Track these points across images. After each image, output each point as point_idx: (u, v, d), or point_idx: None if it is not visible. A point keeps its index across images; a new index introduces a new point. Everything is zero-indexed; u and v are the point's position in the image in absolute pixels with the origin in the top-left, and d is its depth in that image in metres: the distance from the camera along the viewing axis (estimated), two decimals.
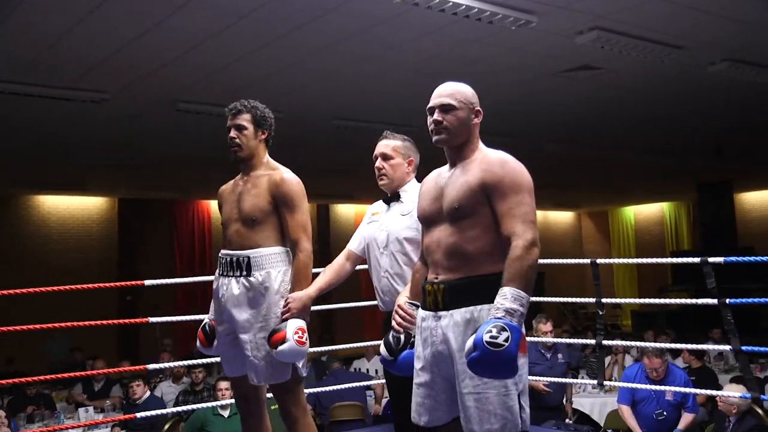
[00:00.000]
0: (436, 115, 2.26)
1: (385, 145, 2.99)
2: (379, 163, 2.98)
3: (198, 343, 3.03)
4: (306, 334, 2.69)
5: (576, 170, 11.80)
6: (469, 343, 1.94)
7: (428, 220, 2.28)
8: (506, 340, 1.88)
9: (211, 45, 5.28)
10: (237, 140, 2.89)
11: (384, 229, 2.89)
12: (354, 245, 3.06)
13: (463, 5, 4.52)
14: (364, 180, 11.79)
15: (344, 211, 15.65)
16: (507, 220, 2.09)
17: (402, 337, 2.39)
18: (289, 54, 5.58)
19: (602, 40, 5.28)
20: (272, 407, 3.35)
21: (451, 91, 2.28)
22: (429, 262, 2.26)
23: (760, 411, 4.85)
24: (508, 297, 1.98)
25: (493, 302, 2.08)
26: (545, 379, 5.17)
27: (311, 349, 3.02)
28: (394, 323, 2.45)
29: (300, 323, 2.69)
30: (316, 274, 2.96)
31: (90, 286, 4.01)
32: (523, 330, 1.98)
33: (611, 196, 16.56)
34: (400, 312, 2.43)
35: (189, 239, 13.95)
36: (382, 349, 2.45)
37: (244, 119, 2.89)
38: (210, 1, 4.52)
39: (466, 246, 2.14)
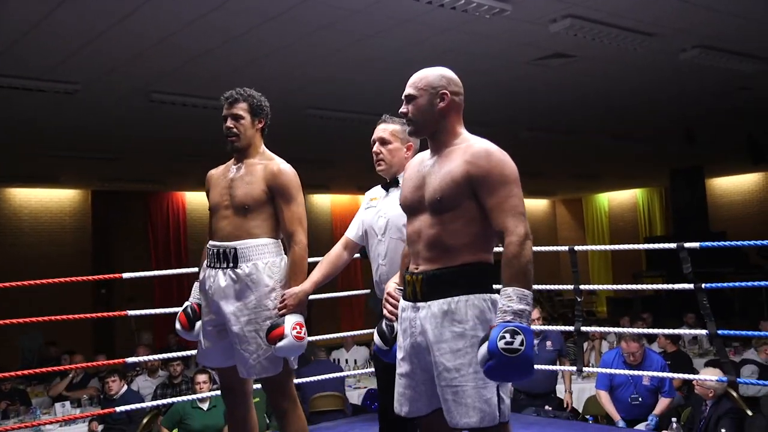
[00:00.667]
0: (403, 107, 2.24)
1: (383, 130, 2.90)
2: (376, 147, 2.89)
3: (178, 326, 2.95)
4: (304, 329, 2.67)
5: (550, 158, 11.88)
6: (483, 351, 1.90)
7: (410, 209, 2.24)
8: (521, 343, 1.86)
9: (185, 35, 5.22)
10: (234, 130, 2.82)
11: (383, 216, 2.82)
12: (352, 233, 2.98)
13: None
14: (339, 170, 11.86)
15: (320, 201, 15.61)
16: (497, 215, 2.05)
17: (395, 325, 2.35)
18: (263, 44, 5.54)
19: (575, 28, 5.31)
20: (255, 399, 3.34)
21: (413, 80, 2.23)
22: (411, 252, 2.22)
23: (734, 394, 4.95)
24: (513, 298, 1.95)
25: (470, 293, 2.07)
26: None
27: None
28: (385, 311, 2.43)
29: (298, 318, 2.67)
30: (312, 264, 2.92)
31: (66, 279, 3.94)
32: None
33: (585, 184, 16.71)
34: (391, 300, 2.41)
35: (164, 231, 13.81)
36: (376, 338, 2.43)
37: (241, 108, 2.83)
38: None
39: (447, 239, 2.10)
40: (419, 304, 2.15)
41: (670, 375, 4.97)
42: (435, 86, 2.20)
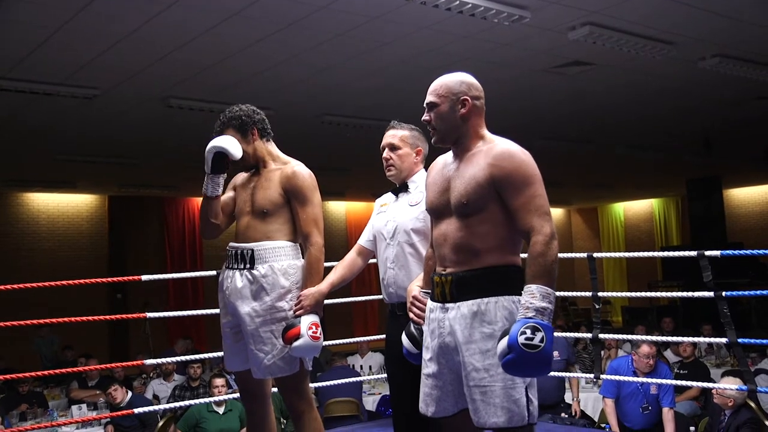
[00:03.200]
0: (425, 115, 2.25)
1: (392, 135, 2.90)
2: (386, 153, 2.89)
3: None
4: (320, 329, 2.69)
5: (566, 166, 11.84)
6: (502, 345, 1.92)
7: (436, 213, 2.25)
8: (542, 340, 1.88)
9: (203, 41, 5.26)
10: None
11: (392, 220, 2.83)
12: (364, 239, 3.00)
13: (458, 1, 4.53)
14: (355, 177, 11.88)
15: (336, 208, 15.65)
16: (522, 215, 2.06)
17: (424, 328, 2.35)
18: (281, 51, 5.57)
19: (594, 36, 5.30)
20: None
21: (433, 87, 2.24)
22: (437, 255, 2.23)
23: (752, 404, 4.89)
24: (536, 295, 1.96)
25: (500, 294, 2.08)
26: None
27: None
28: (412, 315, 2.43)
29: (314, 318, 2.69)
30: (328, 269, 2.94)
31: (85, 281, 3.95)
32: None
33: (601, 193, 16.63)
34: (417, 303, 2.41)
35: (179, 237, 13.89)
36: (406, 342, 2.42)
37: (229, 134, 2.87)
38: None
39: (475, 242, 2.11)
40: (448, 305, 2.16)
41: (683, 383, 4.91)
42: (456, 92, 2.20)
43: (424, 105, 2.26)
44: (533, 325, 1.90)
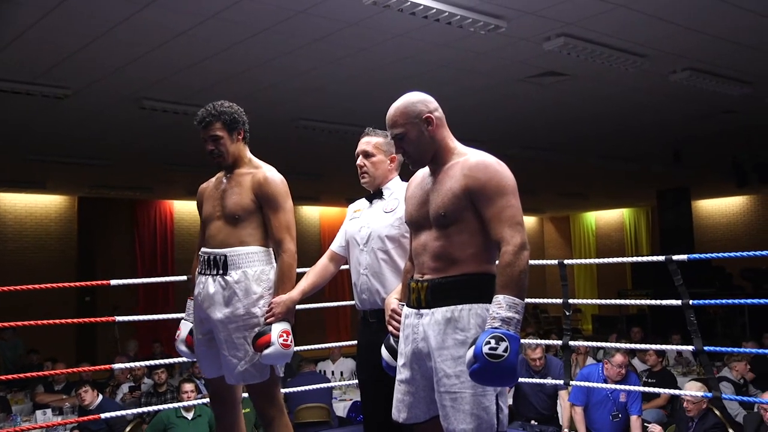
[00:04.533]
0: (397, 146, 2.27)
1: (366, 143, 2.90)
2: (360, 161, 2.90)
3: (184, 347, 2.96)
4: (291, 337, 2.68)
5: (538, 175, 11.95)
6: (469, 354, 1.95)
7: (415, 225, 2.28)
8: (506, 350, 1.90)
9: (178, 43, 5.22)
10: (216, 151, 2.83)
11: (366, 226, 2.83)
12: (336, 245, 2.99)
13: (434, 9, 4.55)
14: (328, 182, 11.86)
15: (309, 213, 15.60)
16: (494, 225, 2.08)
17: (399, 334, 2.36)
18: (257, 54, 5.55)
19: (569, 47, 5.36)
20: (245, 410, 3.32)
21: (393, 119, 2.24)
22: (416, 264, 2.25)
23: (716, 412, 4.98)
24: (503, 305, 1.98)
25: (474, 302, 2.10)
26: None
27: None
28: (391, 328, 2.43)
29: (285, 326, 2.68)
30: (300, 274, 2.92)
31: (52, 285, 3.89)
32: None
33: (573, 201, 16.81)
34: (396, 316, 2.41)
35: (151, 240, 13.72)
36: (386, 355, 2.43)
37: (217, 128, 2.82)
38: None
39: (453, 251, 2.14)
40: (423, 311, 2.18)
41: (654, 390, 4.97)
42: (416, 114, 2.22)
43: (392, 136, 2.27)
44: (498, 335, 1.92)
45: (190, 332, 2.95)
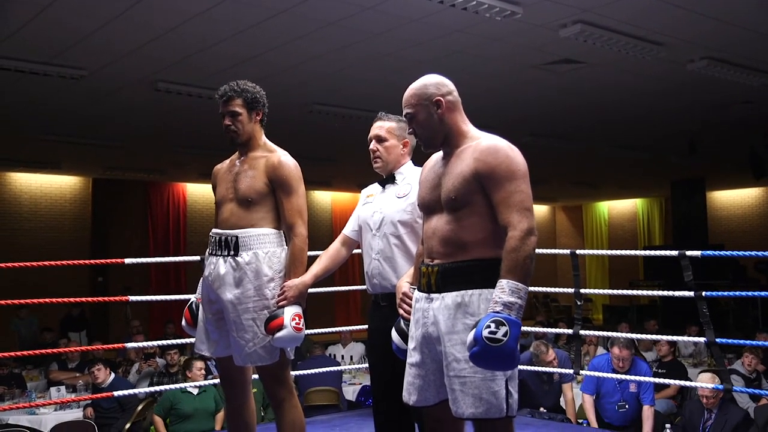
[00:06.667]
0: (408, 128, 2.31)
1: (379, 127, 2.90)
2: (373, 145, 2.89)
3: (183, 322, 3.00)
4: (303, 321, 2.70)
5: (551, 163, 11.89)
6: (470, 337, 1.96)
7: (427, 208, 2.28)
8: (505, 334, 1.91)
9: (194, 25, 5.22)
10: (232, 127, 2.83)
11: (378, 211, 2.83)
12: (349, 230, 2.99)
13: None
14: (341, 167, 11.86)
15: (321, 198, 15.63)
16: (502, 210, 2.08)
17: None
18: (272, 38, 5.55)
19: (585, 34, 5.32)
20: (253, 390, 3.34)
21: (405, 100, 2.27)
22: (426, 248, 2.25)
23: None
24: (506, 290, 1.99)
25: (484, 287, 2.09)
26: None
27: None
28: (402, 311, 2.44)
29: (297, 310, 2.70)
30: (312, 258, 2.93)
31: (68, 262, 3.92)
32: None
33: (586, 191, 16.73)
34: (407, 300, 2.42)
35: (163, 222, 13.80)
36: (396, 338, 2.44)
37: (237, 104, 2.83)
38: None
39: (463, 235, 2.14)
40: (433, 295, 2.18)
41: (663, 381, 4.96)
42: (426, 96, 2.23)
43: (405, 117, 2.30)
44: (498, 319, 1.93)
45: (189, 307, 2.97)
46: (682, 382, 4.88)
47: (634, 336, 4.74)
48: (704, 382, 4.52)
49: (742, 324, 11.94)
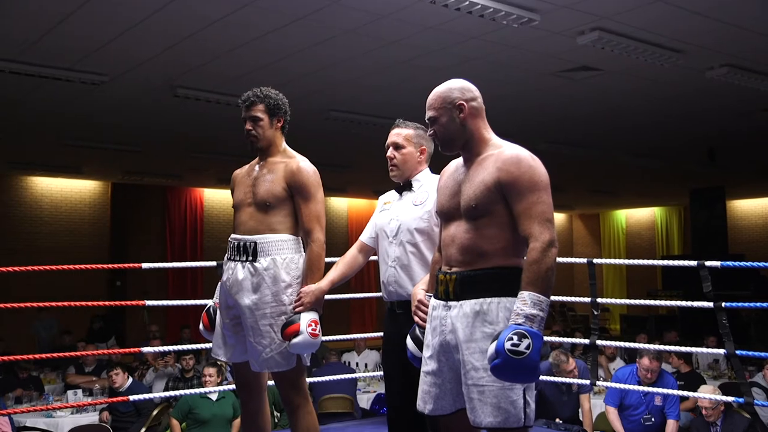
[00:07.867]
0: (429, 130, 2.30)
1: (396, 134, 2.90)
2: (390, 152, 2.89)
3: (201, 326, 3.02)
4: (319, 327, 2.70)
5: (569, 171, 11.84)
6: (491, 349, 1.94)
7: (446, 216, 2.27)
8: (528, 347, 1.89)
9: (212, 32, 5.27)
10: (253, 132, 2.86)
11: (395, 219, 2.83)
12: (366, 236, 2.99)
13: (467, 1, 4.52)
14: (357, 173, 11.88)
15: (337, 204, 15.65)
16: (524, 221, 2.07)
17: (425, 325, 2.35)
18: (290, 44, 5.57)
19: (603, 41, 5.30)
20: None
21: (429, 102, 2.27)
22: (444, 255, 2.24)
23: (744, 413, 4.88)
24: (527, 302, 1.98)
25: (503, 295, 2.09)
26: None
27: None
28: (417, 319, 2.44)
29: (313, 316, 2.70)
30: (329, 265, 2.94)
31: (86, 266, 3.96)
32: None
33: (603, 199, 16.62)
34: (423, 307, 2.42)
35: (181, 227, 13.90)
36: (411, 345, 2.43)
37: (259, 110, 2.86)
38: None
39: (482, 243, 2.13)
40: (451, 303, 2.17)
41: (682, 393, 4.90)
42: (450, 100, 2.23)
43: (426, 120, 2.30)
44: (521, 331, 1.92)
45: (207, 311, 2.99)
46: (694, 394, 4.80)
47: (653, 347, 4.67)
48: (706, 392, 4.46)
49: (764, 336, 11.77)
